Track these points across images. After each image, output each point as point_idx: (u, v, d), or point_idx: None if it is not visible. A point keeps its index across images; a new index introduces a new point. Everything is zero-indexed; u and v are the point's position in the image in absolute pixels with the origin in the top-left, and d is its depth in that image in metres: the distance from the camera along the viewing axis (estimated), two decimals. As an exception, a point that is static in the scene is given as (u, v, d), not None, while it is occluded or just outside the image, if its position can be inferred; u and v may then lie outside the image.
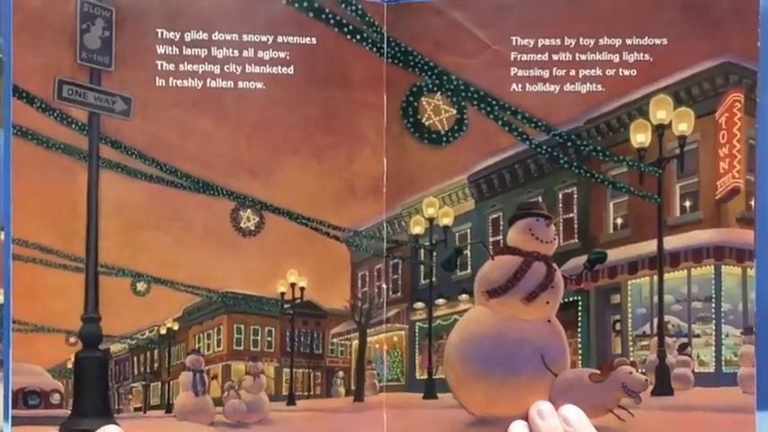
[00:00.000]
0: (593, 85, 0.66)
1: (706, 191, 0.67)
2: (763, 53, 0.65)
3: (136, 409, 0.67)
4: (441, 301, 0.69)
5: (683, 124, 0.66)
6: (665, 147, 0.67)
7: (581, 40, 0.66)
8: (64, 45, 0.62)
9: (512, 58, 0.66)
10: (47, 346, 0.63)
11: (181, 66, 0.64)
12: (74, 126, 0.63)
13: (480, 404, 0.67)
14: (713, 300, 0.67)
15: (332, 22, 0.65)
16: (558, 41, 0.66)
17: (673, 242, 0.67)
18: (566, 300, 0.68)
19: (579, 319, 0.69)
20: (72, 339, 0.64)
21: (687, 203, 0.67)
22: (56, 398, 0.64)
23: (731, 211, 0.67)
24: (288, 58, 0.65)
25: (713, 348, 0.67)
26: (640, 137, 0.67)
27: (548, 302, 0.67)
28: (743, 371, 0.67)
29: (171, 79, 0.64)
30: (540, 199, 0.68)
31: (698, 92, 0.66)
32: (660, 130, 0.67)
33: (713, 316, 0.67)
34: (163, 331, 0.66)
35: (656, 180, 0.67)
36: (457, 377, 0.68)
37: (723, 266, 0.67)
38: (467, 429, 0.67)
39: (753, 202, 0.66)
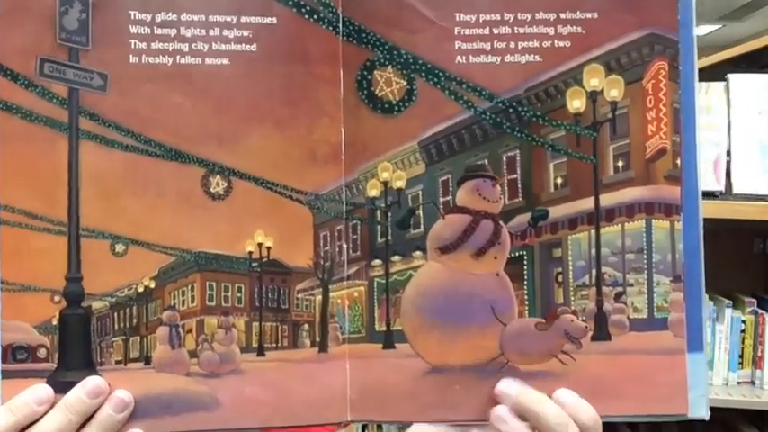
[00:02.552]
0: (532, 56, 0.71)
1: (636, 152, 0.72)
2: (683, 25, 0.71)
3: (117, 362, 0.70)
4: (396, 258, 0.73)
5: (614, 91, 0.71)
6: (599, 112, 0.72)
7: (519, 14, 0.71)
8: (45, 26, 0.67)
9: (456, 33, 0.71)
10: (33, 305, 0.67)
11: (152, 44, 0.69)
12: (55, 101, 0.68)
13: (435, 353, 0.72)
14: (645, 251, 0.72)
15: (291, 3, 0.70)
16: (498, 17, 0.71)
17: (608, 199, 0.72)
18: (512, 255, 0.73)
19: (525, 272, 0.73)
20: (56, 298, 0.68)
21: (620, 163, 0.72)
22: (42, 352, 0.68)
23: (659, 169, 0.72)
24: (251, 36, 0.70)
25: (646, 296, 0.72)
26: (576, 103, 0.72)
27: (495, 257, 0.72)
28: (673, 316, 0.72)
29: (143, 57, 0.68)
30: (485, 162, 0.73)
31: (626, 61, 0.71)
32: (593, 97, 0.72)
33: (645, 266, 0.72)
34: (140, 289, 0.70)
35: (592, 142, 0.72)
36: (413, 328, 0.72)
37: (653, 220, 0.72)
38: (423, 377, 0.71)
39: (679, 161, 0.72)
